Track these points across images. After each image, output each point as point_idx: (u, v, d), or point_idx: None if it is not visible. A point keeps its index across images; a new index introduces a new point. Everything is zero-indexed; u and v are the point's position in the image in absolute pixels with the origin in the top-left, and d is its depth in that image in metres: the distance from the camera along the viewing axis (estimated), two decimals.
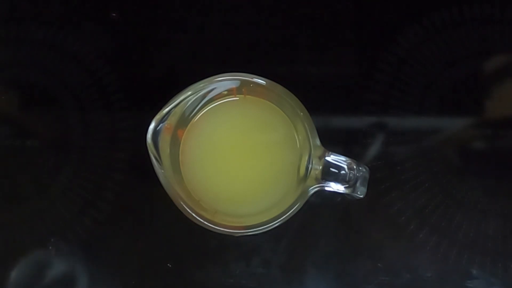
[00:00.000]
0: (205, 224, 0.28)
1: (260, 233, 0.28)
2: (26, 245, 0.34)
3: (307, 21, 0.37)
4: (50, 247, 0.34)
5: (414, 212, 0.34)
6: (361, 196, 0.29)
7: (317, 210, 0.34)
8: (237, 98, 0.31)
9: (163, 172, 0.28)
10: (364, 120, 0.35)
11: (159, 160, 0.28)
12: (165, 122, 0.29)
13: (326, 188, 0.29)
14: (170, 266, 0.34)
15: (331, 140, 0.32)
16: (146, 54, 0.37)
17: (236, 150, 0.31)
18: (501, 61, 0.37)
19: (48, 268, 0.34)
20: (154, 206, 0.34)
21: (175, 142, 0.30)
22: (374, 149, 0.35)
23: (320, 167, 0.29)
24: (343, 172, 0.29)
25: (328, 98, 0.36)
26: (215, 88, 0.30)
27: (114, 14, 0.37)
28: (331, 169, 0.29)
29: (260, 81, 0.29)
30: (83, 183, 0.35)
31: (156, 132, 0.29)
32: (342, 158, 0.29)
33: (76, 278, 0.34)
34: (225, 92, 0.31)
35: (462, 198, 0.34)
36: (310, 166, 0.29)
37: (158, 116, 0.29)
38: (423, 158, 0.35)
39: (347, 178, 0.29)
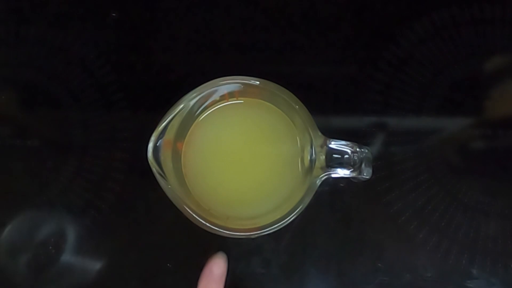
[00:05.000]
0: (220, 231, 0.28)
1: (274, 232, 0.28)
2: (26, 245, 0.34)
3: (307, 21, 0.37)
4: (51, 247, 0.34)
5: (414, 212, 0.34)
6: (368, 177, 0.29)
7: (317, 210, 0.34)
8: (231, 102, 0.31)
9: (170, 187, 0.28)
10: (364, 120, 0.35)
11: (164, 176, 0.28)
12: (164, 137, 0.28)
13: (333, 175, 0.29)
14: (170, 266, 0.34)
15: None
16: (146, 54, 0.37)
17: (237, 154, 0.31)
18: (501, 61, 0.37)
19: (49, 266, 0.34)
20: (154, 206, 0.34)
21: (176, 156, 0.30)
22: (374, 149, 0.35)
23: (324, 155, 0.29)
24: (346, 156, 0.29)
25: (328, 98, 0.36)
26: (207, 95, 0.30)
27: (114, 14, 0.37)
28: (335, 155, 0.29)
29: (252, 81, 0.29)
30: (83, 183, 0.35)
31: (156, 149, 0.28)
32: (343, 142, 0.29)
33: (76, 278, 0.34)
34: (218, 98, 0.31)
35: (462, 198, 0.34)
36: (313, 156, 0.29)
37: (155, 133, 0.28)
38: (423, 158, 0.35)
39: (352, 162, 0.29)
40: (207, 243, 0.34)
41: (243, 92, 0.31)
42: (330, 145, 0.29)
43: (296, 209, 0.28)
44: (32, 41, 0.37)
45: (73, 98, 0.36)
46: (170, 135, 0.29)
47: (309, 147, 0.29)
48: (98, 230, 0.34)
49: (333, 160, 0.29)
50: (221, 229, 0.28)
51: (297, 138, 0.31)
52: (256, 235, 0.28)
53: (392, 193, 0.34)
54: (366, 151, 0.29)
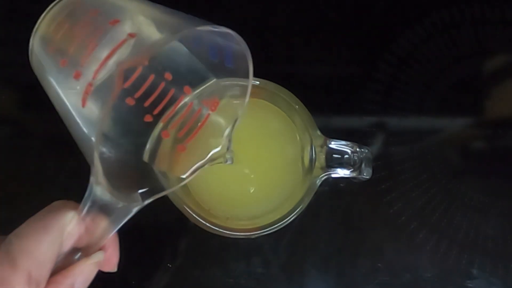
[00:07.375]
0: (220, 231, 0.28)
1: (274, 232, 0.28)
2: None
3: (307, 21, 0.37)
4: None
5: (414, 212, 0.34)
6: (368, 177, 0.29)
7: (317, 210, 0.34)
8: None
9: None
10: (364, 120, 0.35)
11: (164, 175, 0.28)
12: None
13: (333, 175, 0.29)
14: (170, 266, 0.34)
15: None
16: None
17: (237, 154, 0.31)
18: (501, 61, 0.37)
19: None
20: (154, 206, 0.34)
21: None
22: (374, 149, 0.35)
23: (324, 155, 0.29)
24: (346, 156, 0.29)
25: (328, 98, 0.36)
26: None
27: None
28: (335, 155, 0.29)
29: (252, 81, 0.29)
30: (83, 183, 0.35)
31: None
32: (343, 142, 0.29)
33: None
34: None
35: (462, 198, 0.34)
36: (314, 156, 0.29)
37: (156, 132, 0.28)
38: (423, 158, 0.35)
39: (352, 162, 0.29)
40: (207, 243, 0.34)
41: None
42: (330, 145, 0.29)
43: (296, 209, 0.28)
44: None
45: None
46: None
47: (309, 147, 0.29)
48: None
49: (333, 160, 0.29)
50: (221, 229, 0.28)
51: (297, 138, 0.31)
52: (256, 235, 0.28)
53: (392, 193, 0.34)
54: (366, 151, 0.29)
